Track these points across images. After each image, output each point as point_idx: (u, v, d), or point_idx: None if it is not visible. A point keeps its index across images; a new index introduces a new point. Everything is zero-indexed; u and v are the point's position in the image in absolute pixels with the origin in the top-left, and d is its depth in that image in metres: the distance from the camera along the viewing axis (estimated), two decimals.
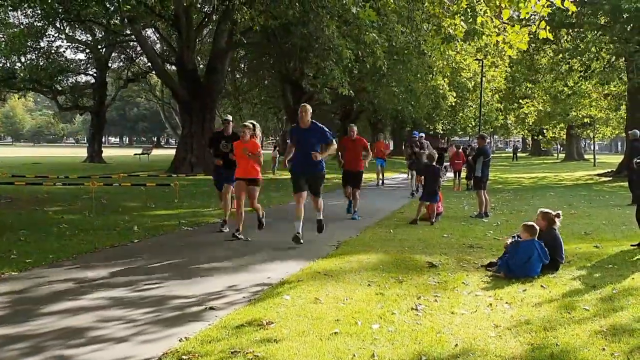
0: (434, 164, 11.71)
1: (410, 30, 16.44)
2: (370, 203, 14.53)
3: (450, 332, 4.52)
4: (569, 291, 5.79)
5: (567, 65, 27.00)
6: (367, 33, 14.60)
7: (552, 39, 9.63)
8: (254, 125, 9.01)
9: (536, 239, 6.66)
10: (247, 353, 4.00)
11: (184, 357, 3.95)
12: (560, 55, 27.52)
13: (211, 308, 5.17)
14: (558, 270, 6.70)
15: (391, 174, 28.96)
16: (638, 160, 9.25)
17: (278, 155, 29.93)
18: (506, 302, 5.39)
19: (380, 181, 21.75)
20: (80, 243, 8.30)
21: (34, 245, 8.02)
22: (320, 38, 16.94)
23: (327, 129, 8.60)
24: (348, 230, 9.92)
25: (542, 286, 5.98)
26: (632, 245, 8.28)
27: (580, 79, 28.06)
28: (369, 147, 11.85)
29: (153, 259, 7.40)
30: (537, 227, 6.79)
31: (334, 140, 8.70)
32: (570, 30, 26.70)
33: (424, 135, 19.49)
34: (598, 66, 26.85)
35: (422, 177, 11.66)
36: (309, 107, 8.59)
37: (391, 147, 53.06)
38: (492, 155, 14.02)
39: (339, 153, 11.81)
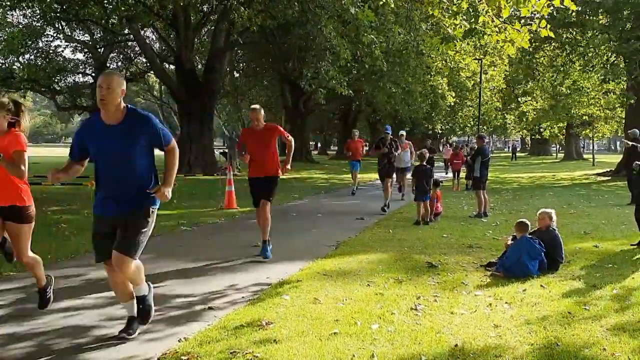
0: (425, 163, 11.63)
1: (409, 30, 16.45)
2: (365, 204, 14.50)
3: (450, 332, 4.51)
4: (569, 291, 5.79)
5: (569, 61, 27.05)
6: (365, 34, 14.60)
7: (553, 37, 9.63)
8: (16, 104, 4.73)
9: (536, 239, 6.66)
10: (246, 353, 3.99)
11: (182, 357, 3.94)
12: (559, 52, 27.58)
13: (210, 308, 5.16)
14: (558, 270, 6.69)
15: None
16: (639, 163, 9.22)
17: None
18: (506, 302, 5.38)
19: (355, 187, 17.68)
20: (79, 243, 8.28)
21: (32, 245, 7.96)
22: (317, 38, 16.94)
23: (157, 122, 4.30)
24: (347, 231, 9.90)
25: (542, 286, 5.97)
26: (631, 245, 8.28)
27: (581, 72, 28.10)
28: (289, 137, 7.66)
29: (152, 259, 7.37)
30: (529, 223, 6.86)
31: (173, 142, 4.42)
32: (571, 29, 26.74)
33: (404, 134, 16.20)
34: (597, 62, 26.91)
35: (414, 178, 11.39)
36: (118, 77, 4.11)
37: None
38: (491, 155, 13.97)
39: (243, 152, 7.63)
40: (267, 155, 7.42)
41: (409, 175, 15.50)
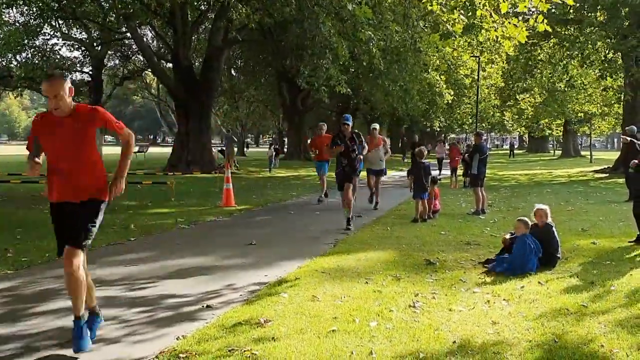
0: (423, 160, 11.62)
1: (406, 28, 16.41)
2: (363, 202, 14.48)
3: (448, 329, 4.51)
4: (567, 288, 5.79)
5: (568, 57, 27.05)
6: (363, 30, 14.56)
7: (550, 31, 9.66)
8: None
9: (533, 235, 6.67)
10: (244, 351, 3.98)
11: (180, 355, 3.93)
12: (557, 47, 27.60)
13: (208, 306, 5.15)
14: (555, 266, 6.70)
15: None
16: (636, 161, 9.21)
17: (274, 154, 29.90)
18: (504, 299, 5.38)
19: (323, 194, 14.43)
20: None
21: (30, 244, 7.98)
22: (316, 36, 16.89)
23: None
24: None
25: (539, 283, 5.97)
26: (629, 242, 8.29)
27: (580, 67, 28.12)
28: (122, 127, 4.42)
29: (150, 257, 7.37)
30: (529, 222, 6.85)
31: None
32: (569, 26, 26.77)
33: (377, 127, 13.45)
34: (596, 58, 26.95)
35: (413, 175, 11.35)
36: None
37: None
38: (488, 152, 13.93)
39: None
40: (80, 163, 4.21)
41: (384, 178, 13.82)
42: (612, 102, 33.06)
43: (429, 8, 11.10)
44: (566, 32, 26.89)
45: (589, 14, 24.53)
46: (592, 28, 24.88)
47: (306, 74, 20.54)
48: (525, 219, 6.92)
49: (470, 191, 14.19)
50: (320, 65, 18.17)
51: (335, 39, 16.47)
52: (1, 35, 28.90)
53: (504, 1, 9.09)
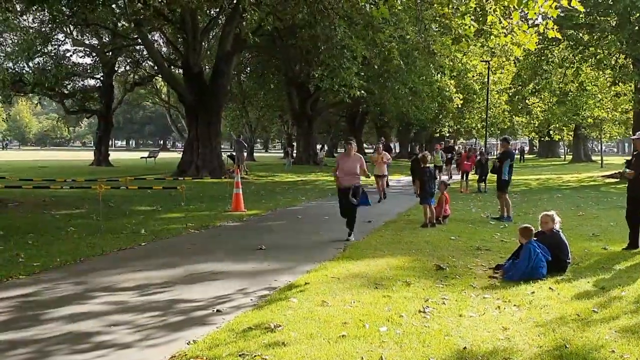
0: (428, 165, 11.56)
1: (420, 30, 16.38)
2: (373, 207, 14.47)
3: (458, 334, 4.50)
4: (577, 293, 5.76)
5: (581, 59, 26.91)
6: (382, 31, 14.50)
7: (560, 38, 9.63)
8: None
9: (541, 242, 6.64)
10: (255, 356, 4.00)
11: None
12: (570, 50, 27.47)
13: (218, 311, 5.17)
14: (566, 271, 6.67)
15: (395, 176, 28.81)
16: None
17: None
18: (514, 305, 5.37)
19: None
20: (87, 247, 8.32)
21: (41, 249, 8.04)
22: (332, 38, 16.84)
23: None
24: (354, 234, 9.87)
25: (550, 288, 5.95)
26: (623, 249, 8.21)
27: (594, 69, 27.95)
28: None
29: (160, 262, 7.40)
30: (533, 229, 6.82)
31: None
32: (580, 31, 26.64)
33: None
34: (608, 63, 26.79)
35: (420, 180, 11.32)
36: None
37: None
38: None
39: None
40: None
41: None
42: (626, 108, 32.77)
43: (441, 11, 11.07)
44: (579, 37, 26.77)
45: (601, 18, 24.42)
46: (604, 33, 24.78)
47: (324, 76, 20.33)
48: (528, 225, 6.89)
49: (479, 196, 14.13)
50: (338, 66, 18.08)
51: (352, 40, 16.47)
52: (16, 40, 29.21)
53: (515, 9, 9.08)
